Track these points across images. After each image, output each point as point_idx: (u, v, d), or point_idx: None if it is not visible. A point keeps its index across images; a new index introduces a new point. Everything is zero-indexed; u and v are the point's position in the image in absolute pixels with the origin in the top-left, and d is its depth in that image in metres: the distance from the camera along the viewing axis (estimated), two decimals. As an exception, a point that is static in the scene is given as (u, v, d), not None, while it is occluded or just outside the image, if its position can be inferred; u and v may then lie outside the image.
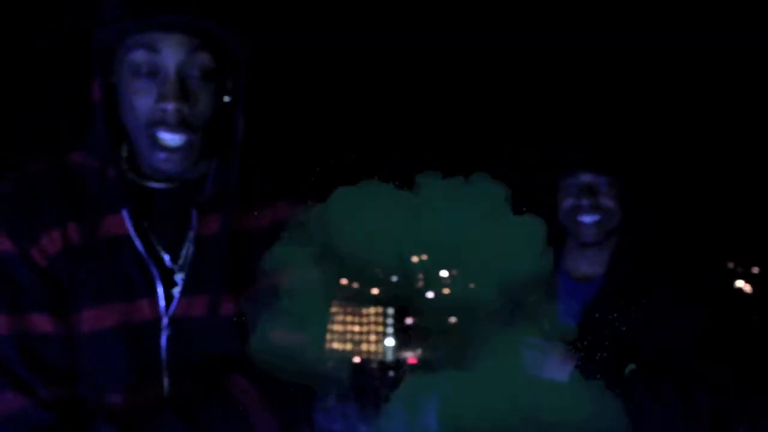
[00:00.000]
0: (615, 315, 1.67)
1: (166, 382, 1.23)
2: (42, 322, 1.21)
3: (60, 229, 1.21)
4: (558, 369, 1.63)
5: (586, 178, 1.72)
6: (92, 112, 1.20)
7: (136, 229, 1.21)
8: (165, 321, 1.22)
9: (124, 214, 1.21)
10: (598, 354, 1.63)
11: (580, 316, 1.72)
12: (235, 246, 1.23)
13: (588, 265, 1.77)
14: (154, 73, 1.13)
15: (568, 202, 1.74)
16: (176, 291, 1.22)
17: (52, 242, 1.21)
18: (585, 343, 1.65)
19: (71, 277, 1.22)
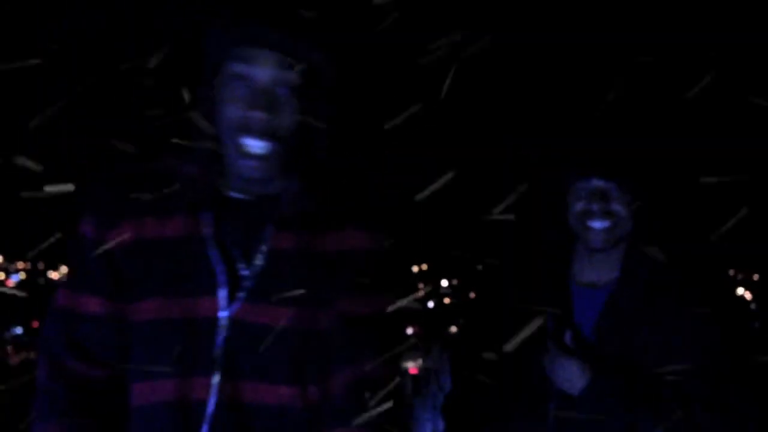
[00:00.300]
0: (628, 327, 1.67)
1: (215, 380, 1.28)
2: (93, 304, 1.31)
3: (137, 222, 1.30)
4: (573, 383, 1.63)
5: (597, 182, 1.70)
6: (191, 122, 1.30)
7: (213, 233, 1.29)
8: (224, 321, 1.28)
9: (205, 216, 1.29)
10: (613, 371, 1.63)
11: (594, 326, 1.71)
12: (302, 264, 1.29)
13: (596, 271, 1.76)
14: (247, 83, 1.23)
15: (578, 207, 1.72)
16: (241, 295, 1.28)
17: (128, 232, 1.30)
18: (600, 356, 1.65)
19: (138, 268, 1.30)
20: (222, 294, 1.28)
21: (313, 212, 1.30)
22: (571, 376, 1.62)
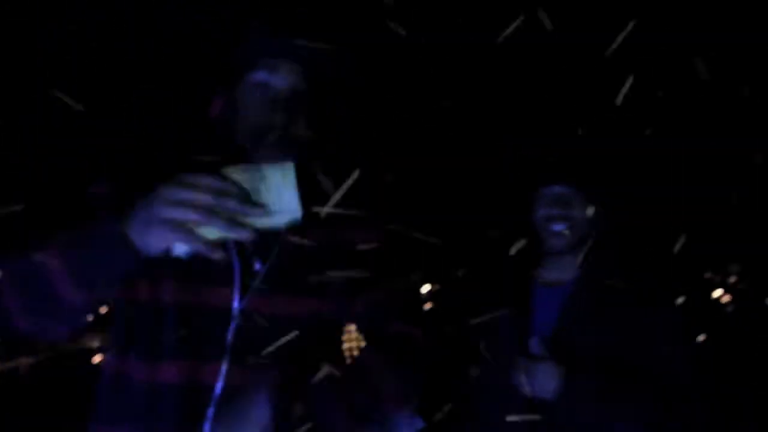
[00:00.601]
0: (588, 321, 1.72)
1: (224, 368, 1.33)
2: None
3: None
4: (546, 387, 1.67)
5: (559, 189, 1.80)
6: (211, 126, 1.38)
7: None
8: (236, 312, 1.34)
9: None
10: (578, 369, 1.67)
11: (556, 324, 1.77)
12: (314, 257, 1.38)
13: (559, 272, 1.85)
14: (268, 91, 1.32)
15: (541, 212, 1.82)
16: (253, 288, 1.35)
17: None
18: (564, 355, 1.69)
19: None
20: (236, 286, 1.35)
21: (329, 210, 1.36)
22: (543, 381, 1.66)
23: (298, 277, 1.36)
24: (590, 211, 1.81)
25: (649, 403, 1.65)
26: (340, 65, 1.35)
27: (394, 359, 1.37)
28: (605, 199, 1.86)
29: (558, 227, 1.81)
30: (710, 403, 1.67)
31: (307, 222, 1.31)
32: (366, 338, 1.40)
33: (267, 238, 1.33)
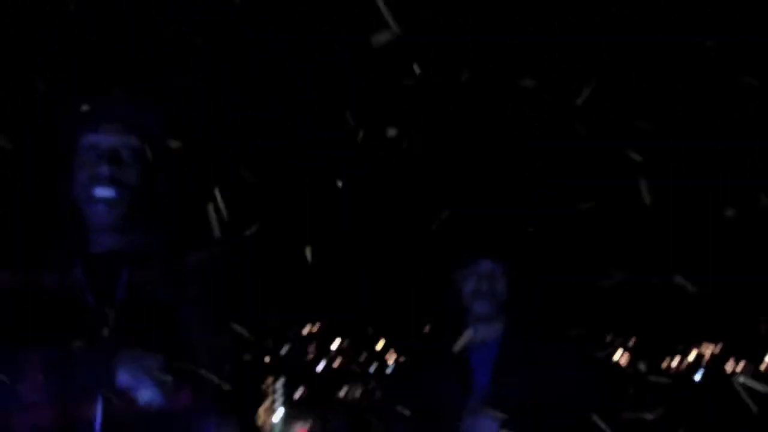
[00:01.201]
0: (516, 371, 2.05)
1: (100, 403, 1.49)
2: None
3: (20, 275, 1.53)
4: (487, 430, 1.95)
5: (483, 266, 2.13)
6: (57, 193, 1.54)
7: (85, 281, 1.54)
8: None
9: (78, 268, 1.54)
10: (515, 413, 1.96)
11: (492, 377, 2.10)
12: (156, 290, 1.53)
13: (485, 332, 2.15)
14: (96, 150, 1.50)
15: (470, 285, 2.12)
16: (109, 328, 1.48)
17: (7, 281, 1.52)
18: (502, 403, 1.98)
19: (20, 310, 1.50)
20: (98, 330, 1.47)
21: (158, 252, 1.53)
22: (485, 429, 1.95)
23: (145, 309, 1.49)
24: (511, 284, 2.12)
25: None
26: (157, 120, 1.54)
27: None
28: (523, 267, 2.16)
29: (483, 302, 2.11)
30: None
31: (145, 262, 1.52)
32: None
33: (112, 281, 1.51)
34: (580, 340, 2.16)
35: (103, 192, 1.46)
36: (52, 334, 1.44)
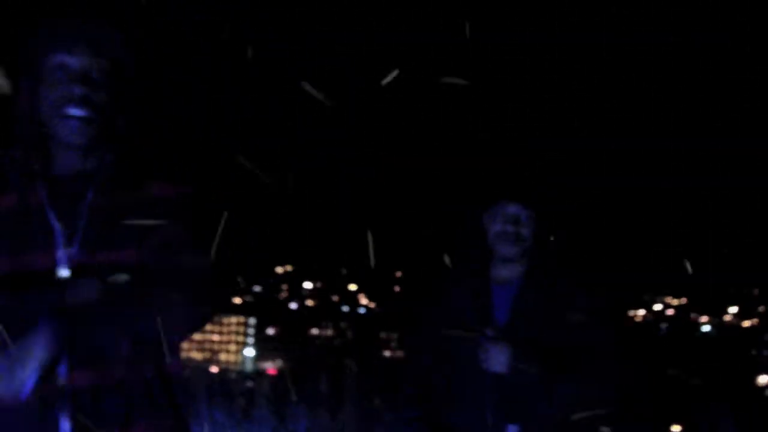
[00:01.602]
0: (533, 311, 2.17)
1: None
2: None
3: None
4: (501, 361, 2.09)
5: (510, 209, 2.17)
6: (16, 112, 1.52)
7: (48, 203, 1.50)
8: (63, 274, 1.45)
9: (39, 189, 1.49)
10: (526, 346, 2.10)
11: (509, 314, 2.20)
12: (117, 217, 1.48)
13: (508, 272, 2.24)
14: (66, 70, 1.49)
15: (496, 227, 2.19)
16: (74, 249, 1.46)
17: None
18: (517, 338, 2.12)
19: None
20: (60, 249, 1.46)
21: (124, 177, 1.52)
22: (499, 356, 2.10)
23: (106, 231, 1.47)
24: (535, 229, 2.17)
25: (577, 373, 2.11)
26: (124, 45, 1.54)
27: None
28: (549, 214, 2.22)
29: (508, 244, 2.16)
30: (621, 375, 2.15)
31: (109, 186, 1.50)
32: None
33: (76, 204, 1.48)
34: (591, 288, 2.21)
35: (76, 111, 1.46)
36: (10, 255, 1.43)
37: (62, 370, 1.43)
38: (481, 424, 2.15)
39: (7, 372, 1.36)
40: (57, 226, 1.47)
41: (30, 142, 1.50)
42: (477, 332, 2.15)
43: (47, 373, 1.38)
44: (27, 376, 1.36)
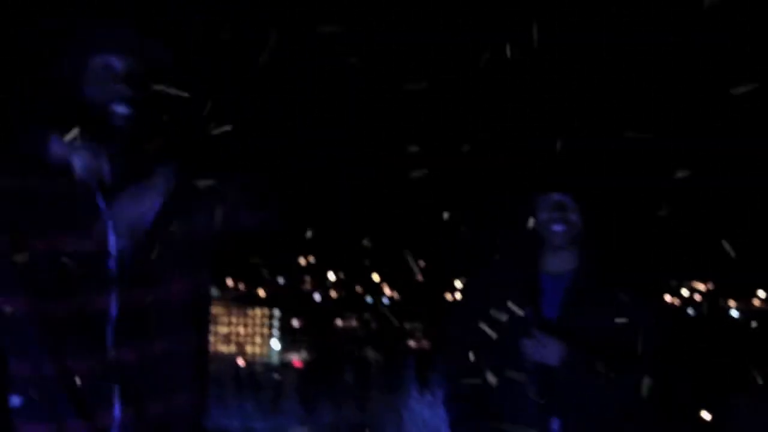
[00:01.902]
0: (586, 306, 2.15)
1: (114, 295, 1.57)
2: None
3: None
4: (552, 355, 2.08)
5: (556, 197, 2.19)
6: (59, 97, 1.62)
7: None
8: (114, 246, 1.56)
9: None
10: (578, 341, 2.08)
11: (561, 307, 2.19)
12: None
13: (559, 263, 2.23)
14: (110, 70, 1.62)
15: (543, 215, 2.20)
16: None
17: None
18: (568, 331, 2.10)
19: (23, 214, 1.58)
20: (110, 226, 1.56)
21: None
22: (550, 350, 2.09)
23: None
24: (583, 216, 2.16)
25: (630, 374, 2.07)
26: (166, 51, 1.66)
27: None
28: (595, 202, 2.21)
29: (558, 227, 2.15)
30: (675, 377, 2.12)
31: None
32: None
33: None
34: (642, 286, 2.20)
35: (121, 109, 1.57)
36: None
37: (110, 342, 1.52)
38: (524, 414, 2.13)
39: (136, 198, 1.53)
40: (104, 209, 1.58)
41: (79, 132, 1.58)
42: (527, 321, 2.13)
43: (98, 345, 1.49)
44: (153, 203, 1.53)
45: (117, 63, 1.63)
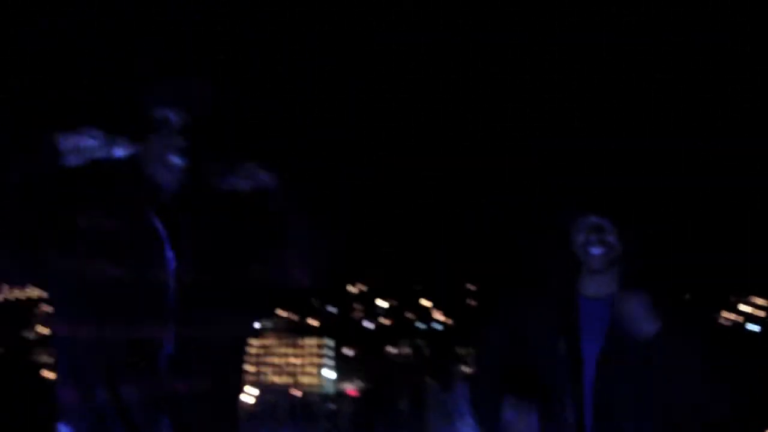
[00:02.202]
0: (626, 330, 2.04)
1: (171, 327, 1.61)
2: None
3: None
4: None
5: (594, 219, 2.11)
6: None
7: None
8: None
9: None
10: (618, 366, 2.03)
11: (607, 334, 2.10)
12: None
13: (597, 286, 2.15)
14: (166, 123, 1.69)
15: (580, 238, 2.11)
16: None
17: None
18: (609, 355, 2.04)
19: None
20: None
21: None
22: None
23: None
24: (621, 238, 2.09)
25: (667, 395, 2.02)
26: (217, 101, 1.73)
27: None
28: (633, 226, 2.14)
29: (596, 251, 2.09)
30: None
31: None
32: None
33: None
34: (687, 311, 2.11)
35: (177, 161, 1.64)
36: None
37: (163, 372, 1.59)
38: (561, 425, 2.10)
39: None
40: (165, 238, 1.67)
41: (131, 180, 1.71)
42: (563, 355, 2.12)
43: (152, 374, 1.57)
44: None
45: (174, 116, 1.70)
